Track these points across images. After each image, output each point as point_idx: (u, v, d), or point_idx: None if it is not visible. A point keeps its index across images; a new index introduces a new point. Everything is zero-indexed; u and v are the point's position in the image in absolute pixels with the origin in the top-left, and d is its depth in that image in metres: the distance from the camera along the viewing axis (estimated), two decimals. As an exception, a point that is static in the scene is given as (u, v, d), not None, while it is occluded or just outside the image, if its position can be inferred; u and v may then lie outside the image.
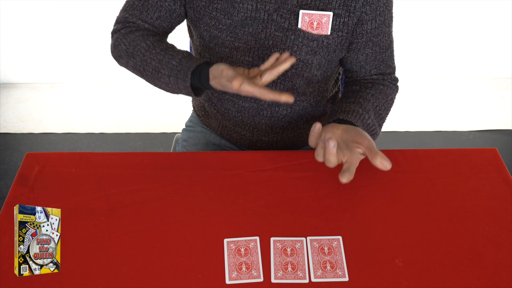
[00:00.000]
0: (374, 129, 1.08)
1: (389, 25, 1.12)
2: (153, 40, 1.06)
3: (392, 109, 1.17)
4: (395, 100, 1.19)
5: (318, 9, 1.03)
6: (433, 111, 2.58)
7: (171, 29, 1.16)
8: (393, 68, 1.19)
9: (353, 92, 1.13)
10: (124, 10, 1.13)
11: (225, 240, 0.93)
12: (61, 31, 2.60)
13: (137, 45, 1.06)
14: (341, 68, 1.27)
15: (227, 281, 0.87)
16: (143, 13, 1.10)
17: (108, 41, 1.16)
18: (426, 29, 2.62)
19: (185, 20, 1.18)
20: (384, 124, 1.16)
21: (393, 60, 1.19)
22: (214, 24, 1.08)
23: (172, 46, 1.06)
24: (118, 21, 1.13)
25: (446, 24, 2.60)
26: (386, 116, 1.15)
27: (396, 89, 1.19)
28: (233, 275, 0.88)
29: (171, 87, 1.04)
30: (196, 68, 0.99)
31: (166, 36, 1.17)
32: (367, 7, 1.04)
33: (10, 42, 2.62)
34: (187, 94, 1.03)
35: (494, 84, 2.76)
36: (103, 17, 2.51)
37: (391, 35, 1.15)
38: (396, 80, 1.19)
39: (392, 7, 1.10)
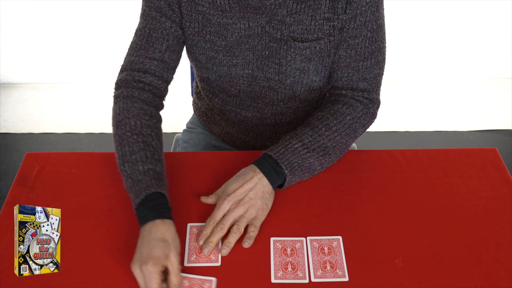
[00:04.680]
0: (303, 154, 0.99)
1: (373, 31, 1.02)
2: (143, 123, 1.00)
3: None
4: (368, 122, 1.08)
5: (307, 16, 1.00)
6: (433, 111, 2.58)
7: (179, 59, 1.10)
8: (372, 85, 1.06)
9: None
10: (129, 54, 1.06)
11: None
12: (61, 31, 2.60)
13: (125, 117, 0.99)
14: None
15: (227, 281, 0.87)
16: (149, 50, 1.04)
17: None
18: (426, 29, 2.62)
19: None
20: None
21: (374, 76, 1.06)
22: (209, 47, 1.06)
23: (155, 147, 1.00)
24: (123, 69, 1.06)
25: (446, 24, 2.60)
26: (343, 138, 1.03)
27: (365, 108, 1.06)
28: (233, 275, 0.88)
29: (125, 184, 0.95)
30: (154, 193, 0.91)
31: (173, 74, 1.10)
32: (348, 6, 0.99)
33: (10, 42, 2.62)
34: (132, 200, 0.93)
35: (494, 84, 2.76)
36: (103, 18, 2.51)
37: (378, 45, 1.04)
38: (372, 101, 1.07)
39: (380, 16, 1.02)
